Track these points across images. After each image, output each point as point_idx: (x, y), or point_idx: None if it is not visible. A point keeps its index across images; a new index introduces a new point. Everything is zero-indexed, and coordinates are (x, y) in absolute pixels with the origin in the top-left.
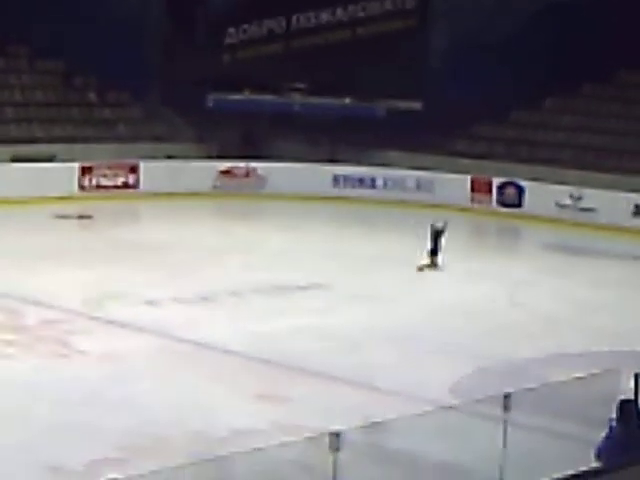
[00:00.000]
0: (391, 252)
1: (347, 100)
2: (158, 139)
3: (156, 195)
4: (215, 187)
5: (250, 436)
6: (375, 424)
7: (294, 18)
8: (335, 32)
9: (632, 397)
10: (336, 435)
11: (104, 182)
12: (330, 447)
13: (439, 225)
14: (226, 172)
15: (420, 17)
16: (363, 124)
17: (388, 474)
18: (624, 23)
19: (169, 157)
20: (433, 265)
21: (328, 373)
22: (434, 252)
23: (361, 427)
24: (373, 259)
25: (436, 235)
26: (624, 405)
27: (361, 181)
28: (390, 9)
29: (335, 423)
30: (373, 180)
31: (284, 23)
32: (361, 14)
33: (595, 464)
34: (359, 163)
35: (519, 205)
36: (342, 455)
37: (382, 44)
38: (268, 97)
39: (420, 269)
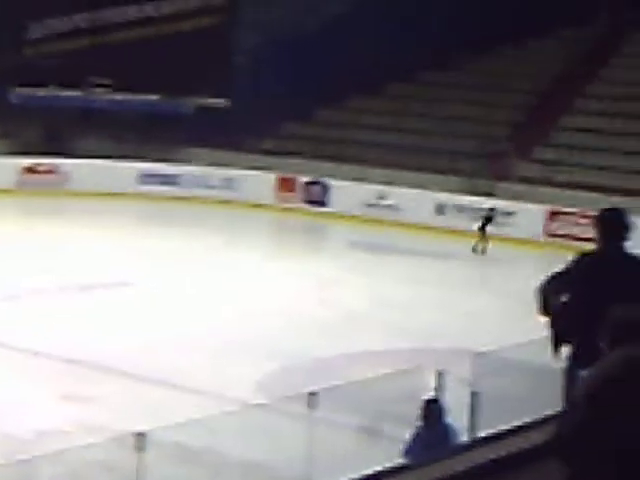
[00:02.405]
0: (197, 251)
1: (154, 97)
2: None
3: None
4: (18, 184)
5: (55, 437)
6: (180, 424)
7: (100, 13)
8: (142, 28)
9: (435, 393)
10: (141, 435)
11: None
12: (135, 447)
13: (491, 212)
14: (30, 169)
15: (228, 14)
16: (170, 121)
17: (193, 474)
18: (425, 24)
19: None
20: (484, 242)
21: (133, 373)
22: (482, 230)
23: (166, 427)
24: (179, 258)
25: (486, 218)
26: (427, 405)
27: (167, 179)
28: (198, 5)
29: (140, 423)
30: (179, 178)
31: (90, 18)
32: (169, 10)
33: (402, 461)
34: (165, 160)
35: (325, 203)
36: (147, 455)
37: (190, 40)
38: (73, 93)
39: (474, 250)
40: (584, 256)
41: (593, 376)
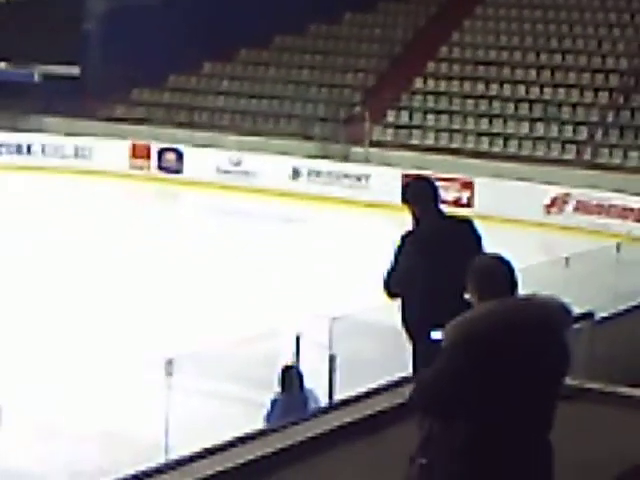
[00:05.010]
0: (47, 219)
1: (2, 65)
2: None
3: None
4: None
5: None
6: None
7: None
8: None
9: (293, 358)
10: None
11: None
12: None
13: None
14: None
15: None
16: (19, 90)
17: (51, 448)
18: None
19: None
20: None
21: None
22: None
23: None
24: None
25: None
26: (285, 372)
27: (18, 148)
28: None
29: None
30: (30, 147)
31: None
32: None
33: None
34: (15, 130)
35: (179, 171)
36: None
37: (37, 8)
38: None
39: None
40: (409, 234)
41: (456, 327)
